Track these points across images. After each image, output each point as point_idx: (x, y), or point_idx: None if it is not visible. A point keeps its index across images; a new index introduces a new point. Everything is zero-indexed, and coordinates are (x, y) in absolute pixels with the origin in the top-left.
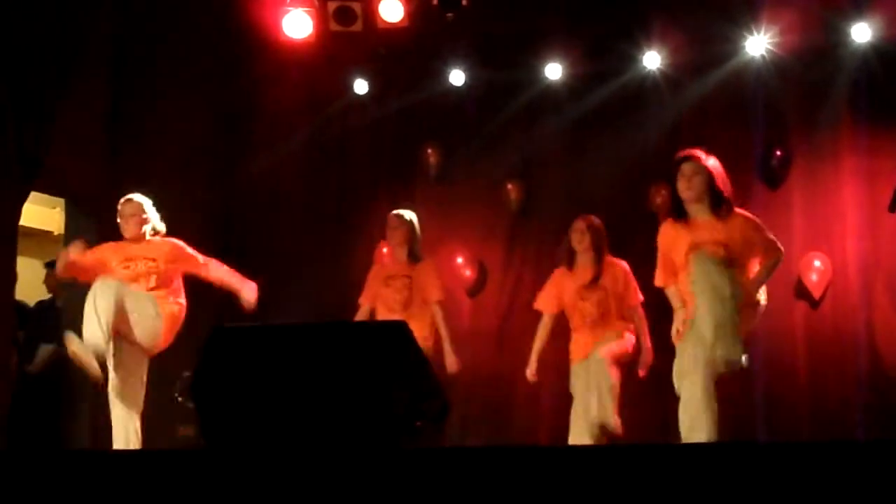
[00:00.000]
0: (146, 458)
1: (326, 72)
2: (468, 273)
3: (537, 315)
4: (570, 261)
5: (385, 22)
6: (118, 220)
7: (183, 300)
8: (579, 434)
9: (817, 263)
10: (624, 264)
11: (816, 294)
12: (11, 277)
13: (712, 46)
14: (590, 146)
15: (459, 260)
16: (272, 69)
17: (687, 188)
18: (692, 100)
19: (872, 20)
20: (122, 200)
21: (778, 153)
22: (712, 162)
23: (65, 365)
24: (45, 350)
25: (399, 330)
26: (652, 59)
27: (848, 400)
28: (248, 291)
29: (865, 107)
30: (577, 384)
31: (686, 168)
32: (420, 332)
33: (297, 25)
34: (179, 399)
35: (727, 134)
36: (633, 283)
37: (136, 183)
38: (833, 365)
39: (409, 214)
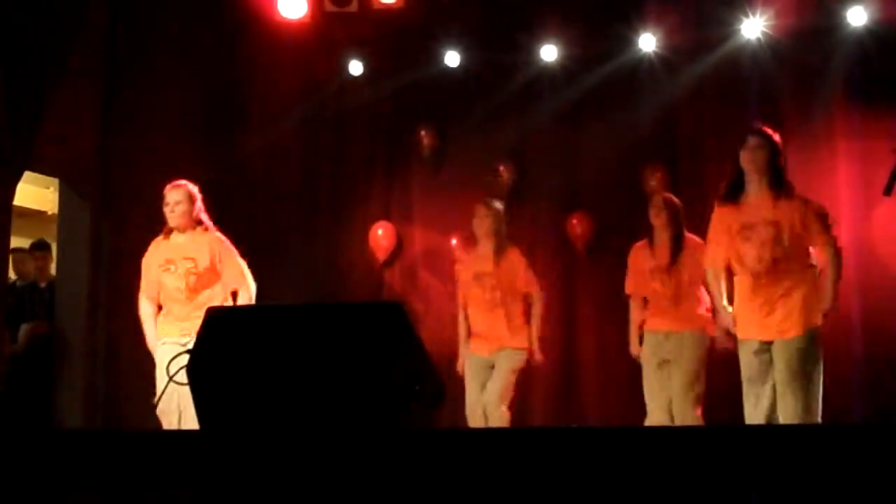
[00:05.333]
0: (141, 439)
1: (321, 52)
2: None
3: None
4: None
5: (380, 3)
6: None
7: None
8: None
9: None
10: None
11: None
12: (4, 258)
13: (708, 29)
14: (585, 128)
15: (454, 241)
16: (267, 49)
17: (751, 160)
18: (687, 82)
19: (868, 3)
20: (167, 187)
21: None
22: (777, 139)
23: (50, 344)
24: (25, 329)
25: (395, 311)
26: (647, 42)
27: (843, 383)
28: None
29: (860, 90)
30: None
31: (752, 141)
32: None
33: (292, 5)
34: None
35: (722, 116)
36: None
37: (130, 163)
38: (827, 348)
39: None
